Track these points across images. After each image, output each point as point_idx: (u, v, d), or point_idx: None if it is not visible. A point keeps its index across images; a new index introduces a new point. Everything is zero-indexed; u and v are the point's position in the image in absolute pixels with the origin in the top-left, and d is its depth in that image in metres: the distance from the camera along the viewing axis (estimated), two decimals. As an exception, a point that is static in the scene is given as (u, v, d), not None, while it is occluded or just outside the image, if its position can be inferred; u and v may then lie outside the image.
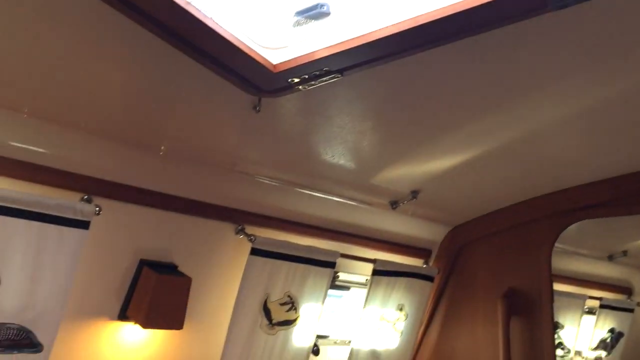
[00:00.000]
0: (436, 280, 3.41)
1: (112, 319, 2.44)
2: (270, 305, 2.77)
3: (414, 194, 2.96)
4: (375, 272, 3.12)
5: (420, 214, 3.23)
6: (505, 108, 2.22)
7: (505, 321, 3.12)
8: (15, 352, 2.09)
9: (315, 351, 3.01)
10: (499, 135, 2.44)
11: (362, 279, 3.25)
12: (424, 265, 3.42)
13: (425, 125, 2.35)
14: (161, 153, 2.34)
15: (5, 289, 2.04)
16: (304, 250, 2.83)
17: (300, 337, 2.90)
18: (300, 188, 2.80)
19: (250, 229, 2.69)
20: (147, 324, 2.39)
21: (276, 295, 2.78)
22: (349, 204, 2.99)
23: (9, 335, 2.07)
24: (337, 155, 2.53)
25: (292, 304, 2.85)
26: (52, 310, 2.14)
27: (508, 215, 3.18)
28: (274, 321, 2.79)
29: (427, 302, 3.40)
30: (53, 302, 2.14)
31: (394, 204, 3.04)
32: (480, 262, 3.35)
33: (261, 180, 2.66)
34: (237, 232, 2.68)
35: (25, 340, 2.11)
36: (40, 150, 2.11)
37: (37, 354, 2.14)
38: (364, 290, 3.16)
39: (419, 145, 2.53)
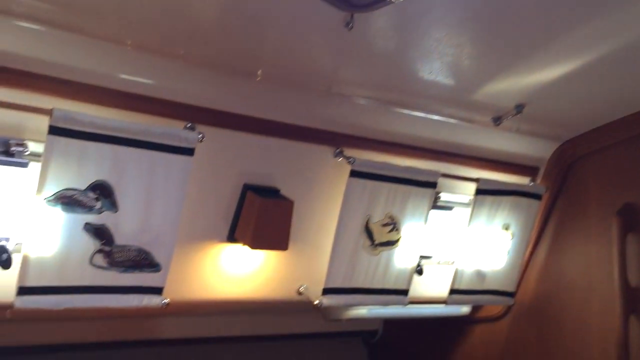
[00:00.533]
0: (544, 199, 3.28)
1: (221, 241, 2.56)
2: (372, 227, 2.79)
3: (519, 108, 2.81)
4: (479, 192, 3.04)
5: (526, 130, 3.07)
6: (617, 9, 2.02)
7: (620, 239, 2.96)
8: (137, 271, 2.26)
9: (419, 271, 3.02)
10: (612, 39, 2.24)
11: (465, 198, 3.19)
12: (531, 183, 3.28)
13: (530, 32, 2.20)
14: (258, 79, 2.37)
15: (123, 214, 2.18)
16: (404, 171, 2.79)
17: (403, 257, 2.91)
18: (398, 108, 2.74)
19: (348, 151, 2.69)
20: (254, 245, 2.49)
21: (377, 217, 2.79)
22: (449, 122, 2.90)
23: (130, 256, 2.24)
24: (435, 71, 2.44)
25: (393, 225, 2.85)
26: (166, 233, 2.28)
27: (623, 127, 2.95)
28: (376, 242, 2.82)
29: (534, 221, 3.28)
30: (167, 225, 2.28)
31: (496, 120, 2.91)
32: (592, 177, 3.16)
33: (358, 101, 2.63)
34: (336, 155, 2.68)
35: (145, 260, 2.27)
36: (146, 81, 2.19)
37: (157, 273, 2.30)
38: (468, 210, 3.11)
39: (522, 55, 2.38)
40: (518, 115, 2.83)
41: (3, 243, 2.05)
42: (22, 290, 2.02)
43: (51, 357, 2.89)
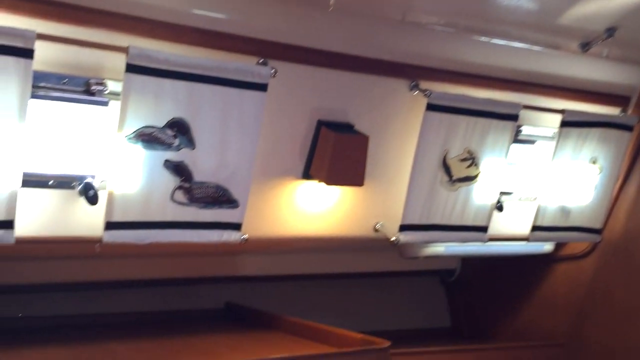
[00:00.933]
0: (636, 130, 3.08)
1: (297, 177, 2.56)
2: (450, 162, 2.72)
3: (610, 32, 2.61)
4: (564, 124, 2.89)
5: (617, 56, 2.87)
6: None
7: None
8: (216, 207, 2.30)
9: (500, 207, 2.93)
10: None
11: (549, 131, 3.04)
12: (621, 114, 3.09)
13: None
14: (330, 9, 2.30)
15: (200, 152, 2.21)
16: (483, 103, 2.69)
17: (482, 193, 2.83)
18: (477, 35, 2.61)
19: (424, 84, 2.60)
20: (329, 181, 2.49)
21: (455, 151, 2.71)
22: (532, 49, 2.74)
23: (208, 192, 2.27)
24: (518, -7, 2.29)
25: (472, 160, 2.76)
26: (242, 169, 2.30)
27: None
28: (454, 177, 2.74)
29: (624, 154, 3.10)
30: (243, 162, 2.29)
31: (584, 46, 2.72)
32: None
33: (434, 29, 2.51)
34: (412, 88, 2.60)
35: (223, 197, 2.30)
36: (218, 15, 2.18)
37: (235, 209, 2.33)
38: (552, 144, 2.96)
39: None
40: (609, 40, 2.65)
41: (89, 180, 2.12)
42: (109, 225, 2.10)
43: (133, 292, 3.04)
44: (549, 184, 3.00)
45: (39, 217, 2.09)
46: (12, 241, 1.93)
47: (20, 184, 1.92)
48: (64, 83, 2.02)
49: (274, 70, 2.24)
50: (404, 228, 2.71)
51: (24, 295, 2.80)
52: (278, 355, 2.19)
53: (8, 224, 1.92)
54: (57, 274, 2.69)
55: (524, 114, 2.80)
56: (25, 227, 2.02)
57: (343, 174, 2.50)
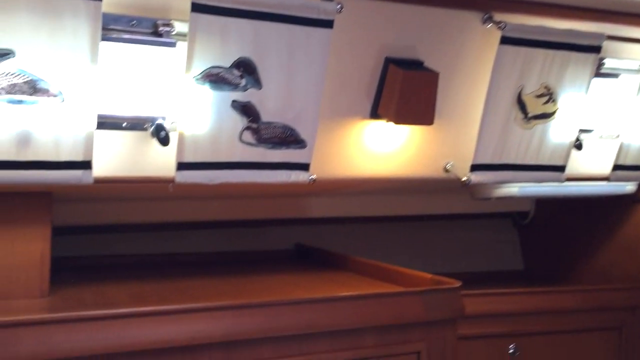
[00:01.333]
0: None
1: (364, 117, 2.51)
2: (525, 98, 2.59)
3: None
4: (652, 55, 2.70)
5: None
6: None
7: None
8: (283, 147, 2.29)
9: (578, 146, 2.79)
10: None
11: (634, 64, 2.83)
12: None
13: None
14: (397, -62, 2.19)
15: (267, 91, 2.20)
16: (563, 34, 2.52)
17: (560, 131, 2.70)
18: (556, -40, 2.43)
19: (498, 16, 2.46)
20: (398, 120, 2.42)
21: (531, 87, 2.58)
22: (618, -26, 2.54)
23: (276, 133, 2.27)
24: None
25: (550, 96, 2.62)
26: (309, 109, 2.28)
27: None
28: (529, 114, 2.62)
29: None
30: (310, 101, 2.26)
31: (679, -34, 2.49)
32: None
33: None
34: (485, 21, 2.47)
35: (290, 137, 2.30)
36: None
37: (302, 150, 2.33)
38: (637, 77, 2.78)
39: None
40: None
41: (160, 122, 2.16)
42: (181, 166, 2.14)
43: (206, 233, 3.15)
44: (633, 120, 2.83)
45: (115, 158, 2.16)
46: (91, 181, 2.01)
47: (96, 125, 1.98)
48: (133, 25, 2.04)
49: (340, 5, 2.17)
50: (475, 168, 2.63)
51: (103, 235, 2.95)
52: (348, 293, 2.21)
53: (86, 165, 1.99)
54: (134, 215, 2.80)
55: (607, 45, 2.61)
56: (102, 167, 2.10)
57: (412, 112, 2.43)
